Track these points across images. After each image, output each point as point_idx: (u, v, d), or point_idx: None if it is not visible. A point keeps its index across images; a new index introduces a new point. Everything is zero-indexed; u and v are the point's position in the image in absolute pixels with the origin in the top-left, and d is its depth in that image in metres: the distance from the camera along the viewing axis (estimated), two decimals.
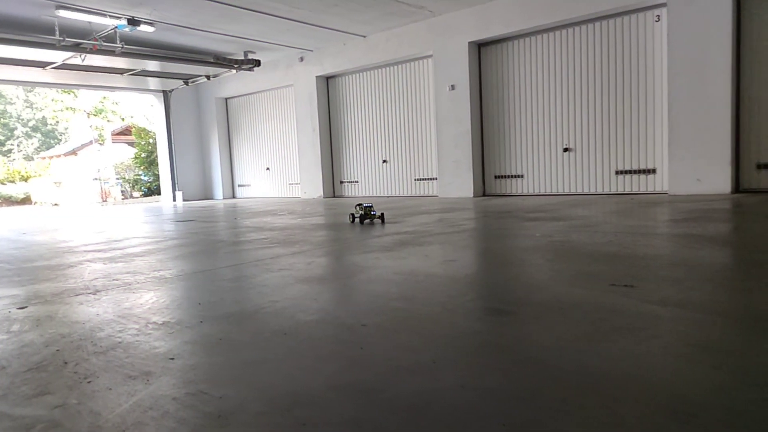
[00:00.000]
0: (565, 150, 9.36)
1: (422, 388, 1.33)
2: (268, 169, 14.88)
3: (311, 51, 12.52)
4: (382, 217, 5.73)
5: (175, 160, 15.57)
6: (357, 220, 5.73)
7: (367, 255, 3.52)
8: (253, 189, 15.43)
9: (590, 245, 3.52)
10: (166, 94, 15.30)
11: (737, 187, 7.64)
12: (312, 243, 4.33)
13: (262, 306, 2.26)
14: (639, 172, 8.62)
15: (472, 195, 10.17)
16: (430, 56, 10.73)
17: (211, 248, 4.40)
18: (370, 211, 5.67)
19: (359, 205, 5.78)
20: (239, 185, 15.85)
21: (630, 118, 8.63)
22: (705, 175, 7.67)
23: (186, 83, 14.41)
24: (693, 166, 7.76)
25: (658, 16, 8.15)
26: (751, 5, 7.43)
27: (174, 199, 15.47)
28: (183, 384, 1.43)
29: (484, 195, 10.37)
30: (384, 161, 12.13)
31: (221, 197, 15.71)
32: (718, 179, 7.57)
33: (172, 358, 1.64)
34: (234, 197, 15.88)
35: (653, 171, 8.46)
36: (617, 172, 8.84)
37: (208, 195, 16.12)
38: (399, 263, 3.16)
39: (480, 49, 10.19)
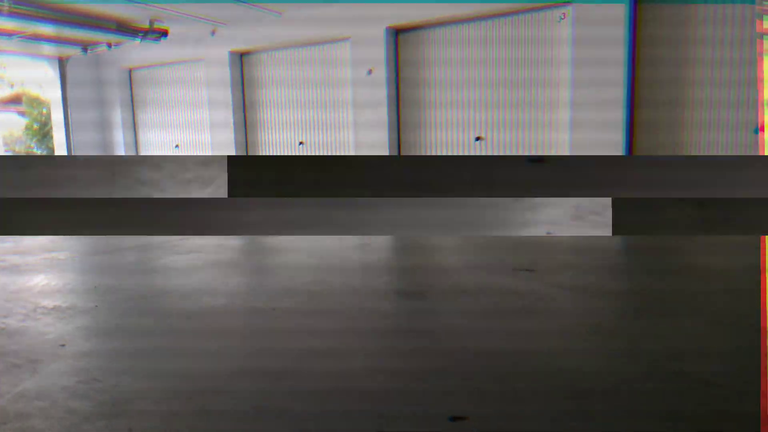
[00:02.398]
0: (477, 139, 9.72)
1: (330, 372, 1.34)
2: (177, 146, 14.15)
3: (224, 25, 11.99)
4: None
5: (72, 133, 14.37)
6: None
7: (282, 238, 3.46)
8: None
9: None
10: (61, 62, 14.04)
11: None
12: None
13: (167, 290, 2.16)
14: None
15: None
16: (349, 39, 10.67)
17: None
18: None
19: None
20: None
21: (536, 114, 9.09)
22: None
23: (85, 51, 13.28)
24: None
25: (564, 14, 8.61)
26: (649, 9, 8.03)
27: None
28: (74, 372, 1.34)
29: None
30: (300, 143, 11.95)
31: None
32: None
33: (63, 345, 1.53)
34: None
35: None
36: None
37: None
38: (314, 246, 3.15)
39: (398, 35, 10.27)
